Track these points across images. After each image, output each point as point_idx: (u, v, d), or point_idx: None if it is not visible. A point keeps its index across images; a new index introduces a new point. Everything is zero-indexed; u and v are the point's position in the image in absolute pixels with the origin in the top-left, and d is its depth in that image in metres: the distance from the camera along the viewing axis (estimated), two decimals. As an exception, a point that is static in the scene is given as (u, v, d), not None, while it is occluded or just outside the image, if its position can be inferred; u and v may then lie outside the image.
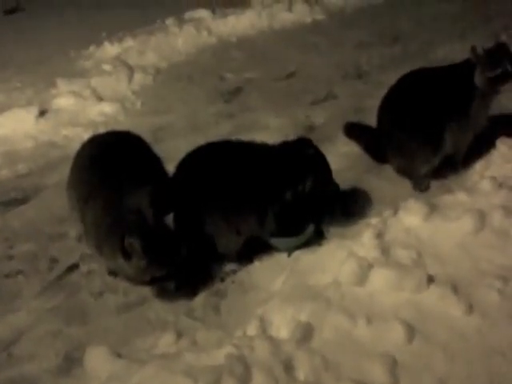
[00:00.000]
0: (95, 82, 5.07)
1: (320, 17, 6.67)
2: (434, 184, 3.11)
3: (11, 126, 4.43)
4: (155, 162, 2.81)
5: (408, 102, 3.05)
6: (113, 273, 2.75)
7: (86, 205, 2.60)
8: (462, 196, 2.62)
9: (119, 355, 2.20)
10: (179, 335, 2.31)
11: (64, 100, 4.75)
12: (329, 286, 2.26)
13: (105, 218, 2.51)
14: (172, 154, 3.02)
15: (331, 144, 3.59)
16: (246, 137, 2.96)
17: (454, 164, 3.16)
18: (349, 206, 3.01)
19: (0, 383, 2.27)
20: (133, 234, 2.37)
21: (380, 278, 2.23)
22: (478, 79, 3.01)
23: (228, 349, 2.01)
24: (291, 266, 2.55)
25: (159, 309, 2.55)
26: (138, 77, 5.25)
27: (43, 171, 3.88)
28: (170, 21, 6.62)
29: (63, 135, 4.34)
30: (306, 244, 2.76)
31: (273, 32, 6.42)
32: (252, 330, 2.14)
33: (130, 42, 6.15)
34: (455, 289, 2.19)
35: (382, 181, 3.21)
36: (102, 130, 3.84)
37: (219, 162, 2.71)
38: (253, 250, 2.76)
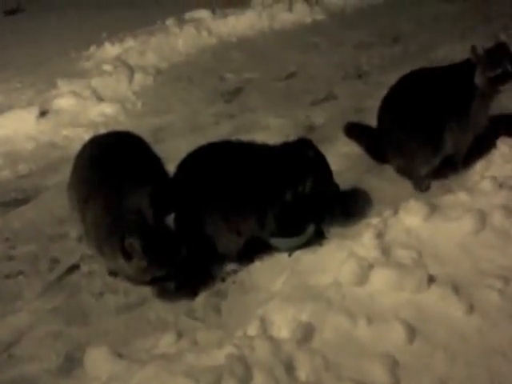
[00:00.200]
0: (96, 82, 5.07)
1: (320, 17, 6.67)
2: (435, 184, 3.11)
3: (12, 127, 4.43)
4: (155, 162, 2.81)
5: (408, 102, 3.05)
6: (113, 273, 2.75)
7: (86, 205, 2.61)
8: (462, 196, 2.62)
9: (120, 355, 2.20)
10: (180, 335, 2.31)
11: (64, 100, 4.75)
12: (329, 286, 2.25)
13: (105, 219, 2.52)
14: (172, 154, 3.02)
15: (331, 144, 3.59)
16: (246, 137, 2.96)
17: (455, 164, 3.16)
18: (349, 206, 3.01)
19: (1, 383, 2.28)
20: (133, 234, 2.37)
21: (380, 278, 2.23)
22: (479, 79, 3.01)
23: (228, 349, 2.01)
24: (292, 266, 2.55)
25: (160, 309, 2.55)
26: (139, 77, 5.25)
27: (44, 172, 3.89)
28: (170, 21, 6.62)
29: (64, 136, 4.35)
30: (307, 244, 2.76)
31: (273, 32, 6.42)
32: (252, 330, 2.14)
33: (130, 43, 6.15)
34: (456, 289, 2.18)
35: (383, 181, 3.21)
36: (102, 130, 3.85)
37: (219, 162, 2.71)
38: (253, 250, 2.77)
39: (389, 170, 3.25)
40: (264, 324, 2.15)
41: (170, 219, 2.52)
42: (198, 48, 6.07)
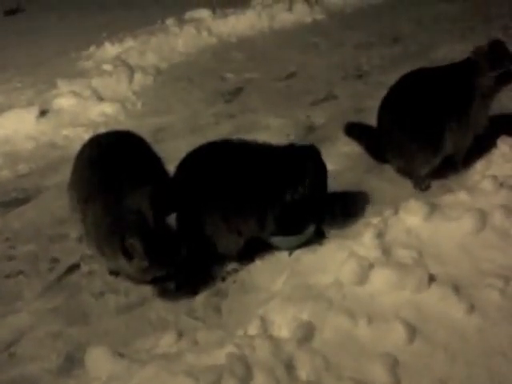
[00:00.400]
0: (96, 82, 5.07)
1: (320, 17, 6.67)
2: (435, 184, 3.11)
3: (12, 127, 4.44)
4: (155, 162, 2.81)
5: (408, 103, 3.04)
6: (114, 272, 2.75)
7: (86, 205, 2.60)
8: (462, 196, 2.62)
9: (120, 355, 2.19)
10: (180, 335, 2.31)
11: (64, 100, 4.76)
12: (330, 286, 2.25)
13: (105, 219, 2.51)
14: (172, 154, 3.02)
15: (331, 144, 3.59)
16: (246, 137, 2.96)
17: (455, 164, 3.16)
18: (349, 205, 3.01)
19: (1, 383, 2.28)
20: (133, 234, 2.37)
21: (381, 278, 2.23)
22: (480, 79, 3.01)
23: (229, 348, 2.01)
24: (292, 265, 2.55)
25: (160, 309, 2.55)
26: (139, 77, 5.25)
27: (44, 172, 3.89)
28: (170, 21, 6.63)
29: (64, 135, 4.35)
30: (307, 243, 2.76)
31: (273, 32, 6.43)
32: (253, 329, 2.13)
33: (130, 43, 6.15)
34: (456, 289, 2.18)
35: (383, 181, 3.21)
36: (102, 130, 3.84)
37: (219, 162, 2.71)
38: (254, 249, 2.76)
39: (389, 170, 3.25)
40: (264, 324, 2.15)
41: (172, 219, 2.52)
42: (198, 48, 6.08)
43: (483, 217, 2.44)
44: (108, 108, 4.68)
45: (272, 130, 4.00)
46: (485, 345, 2.02)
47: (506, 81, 3.06)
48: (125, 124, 4.26)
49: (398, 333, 2.05)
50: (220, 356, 1.98)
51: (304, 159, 2.73)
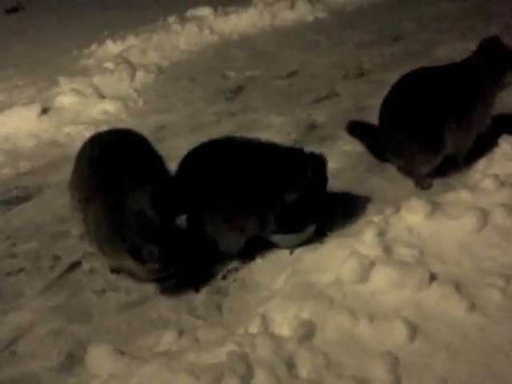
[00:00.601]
0: (97, 80, 5.07)
1: (322, 15, 6.68)
2: (436, 182, 3.11)
3: (13, 125, 4.44)
4: (156, 160, 2.80)
5: (409, 102, 3.04)
6: (115, 271, 2.75)
7: (87, 204, 2.61)
8: (464, 194, 2.61)
9: (121, 353, 2.19)
10: (181, 333, 2.31)
11: (66, 98, 4.76)
12: (331, 285, 2.25)
13: (106, 218, 2.52)
14: (174, 152, 3.02)
15: (333, 143, 3.60)
16: (248, 135, 2.95)
17: (456, 162, 3.16)
18: (350, 204, 3.01)
19: (2, 381, 2.28)
20: (148, 239, 2.38)
21: (382, 277, 2.23)
22: (487, 81, 3.02)
23: (230, 347, 2.01)
24: (293, 264, 2.54)
25: (161, 307, 2.55)
26: (140, 75, 5.26)
27: (45, 169, 3.89)
28: (172, 19, 6.63)
29: (65, 133, 4.36)
30: (308, 241, 2.76)
31: (274, 30, 6.43)
32: (254, 328, 2.14)
33: (132, 41, 6.16)
34: (457, 287, 2.18)
35: (384, 179, 3.21)
36: (104, 128, 3.84)
37: (221, 160, 2.70)
38: (254, 248, 2.77)
39: (390, 169, 3.25)
40: (265, 322, 2.15)
41: (182, 220, 2.53)
42: (200, 46, 6.08)
43: (484, 215, 2.44)
44: (109, 106, 4.68)
45: (273, 128, 4.00)
46: (486, 343, 2.02)
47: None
48: (126, 122, 4.27)
49: (399, 331, 2.05)
50: (221, 354, 1.98)
51: (305, 159, 2.73)
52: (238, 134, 2.96)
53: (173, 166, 2.82)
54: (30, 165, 3.98)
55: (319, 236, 2.81)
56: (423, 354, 2.01)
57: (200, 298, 2.58)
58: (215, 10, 6.83)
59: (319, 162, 2.74)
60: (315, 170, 2.72)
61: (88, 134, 3.69)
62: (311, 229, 2.77)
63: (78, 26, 7.43)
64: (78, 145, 3.01)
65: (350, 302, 2.18)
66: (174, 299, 2.58)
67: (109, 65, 5.41)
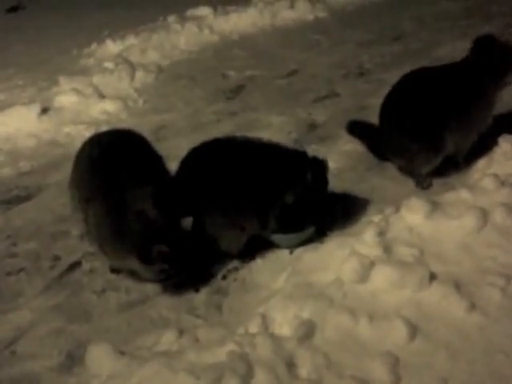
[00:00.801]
0: (97, 79, 5.07)
1: (322, 14, 6.67)
2: (436, 182, 3.11)
3: (13, 124, 4.44)
4: (156, 160, 2.80)
5: (409, 102, 3.04)
6: (115, 270, 2.75)
7: (88, 205, 2.61)
8: (464, 194, 2.61)
9: (121, 353, 2.19)
10: (181, 333, 2.31)
11: (66, 98, 4.76)
12: (331, 284, 2.25)
13: (107, 218, 2.52)
14: (174, 152, 3.02)
15: (333, 142, 3.60)
16: (248, 135, 2.95)
17: (456, 162, 3.16)
18: (350, 203, 3.01)
19: (2, 381, 2.28)
20: (158, 241, 2.39)
21: (382, 276, 2.23)
22: (488, 81, 3.02)
23: (230, 346, 2.01)
24: (293, 263, 2.54)
25: (161, 307, 2.55)
26: (140, 75, 5.25)
27: (45, 169, 3.89)
28: (171, 19, 6.62)
29: (65, 133, 4.36)
30: (308, 241, 2.76)
31: (274, 30, 6.43)
32: (254, 327, 2.14)
33: (131, 40, 6.15)
34: (457, 287, 2.18)
35: (384, 179, 3.21)
36: (104, 128, 3.85)
37: (222, 159, 2.70)
38: (254, 247, 2.77)
39: (390, 168, 3.25)
40: (265, 322, 2.15)
41: (188, 222, 2.53)
42: (200, 46, 6.08)
43: (484, 215, 2.44)
44: (109, 106, 4.68)
45: (273, 127, 4.00)
46: (486, 343, 2.02)
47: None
48: (126, 122, 4.27)
49: (399, 331, 2.05)
50: (221, 354, 1.98)
51: (306, 161, 2.72)
52: (238, 134, 2.96)
53: (173, 165, 2.82)
54: (29, 165, 3.98)
55: (319, 236, 2.81)
56: (423, 353, 2.01)
57: (200, 297, 2.58)
58: (215, 9, 6.82)
59: (320, 165, 2.74)
60: (316, 172, 2.72)
61: (88, 133, 3.69)
62: (311, 229, 2.77)
63: (77, 25, 7.42)
64: (78, 144, 3.01)
65: (350, 302, 2.18)
66: (174, 299, 2.58)
67: (109, 64, 5.40)
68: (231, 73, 5.25)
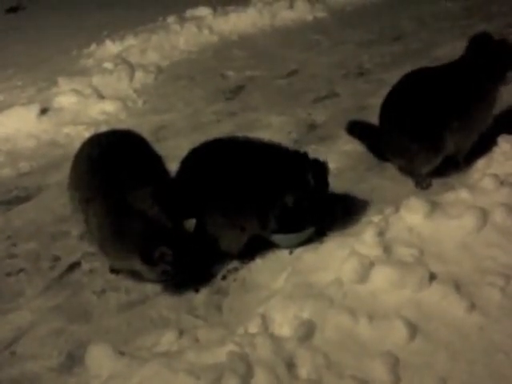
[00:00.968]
0: (97, 80, 5.07)
1: (321, 15, 6.67)
2: (436, 182, 3.11)
3: (13, 125, 4.44)
4: (156, 161, 2.80)
5: (409, 102, 3.03)
6: (115, 270, 2.75)
7: (88, 205, 2.61)
8: (463, 194, 2.61)
9: (121, 353, 2.19)
10: (181, 333, 2.31)
11: (65, 98, 4.75)
12: (331, 284, 2.25)
13: (107, 219, 2.52)
14: (173, 152, 3.02)
15: (333, 142, 3.60)
16: (248, 135, 2.95)
17: (456, 162, 3.16)
18: (350, 204, 3.01)
19: (2, 381, 2.28)
20: (160, 242, 2.39)
21: (382, 276, 2.23)
22: (487, 81, 3.02)
23: (230, 347, 2.01)
24: (293, 264, 2.54)
25: (161, 307, 2.55)
26: (140, 75, 5.25)
27: (45, 170, 3.89)
28: (171, 19, 6.62)
29: (65, 134, 4.35)
30: (308, 241, 2.76)
31: (274, 30, 6.43)
32: (254, 327, 2.14)
33: (131, 41, 6.15)
34: (457, 287, 2.18)
35: (384, 179, 3.21)
36: (103, 128, 3.85)
37: (223, 159, 2.70)
38: (254, 247, 2.77)
39: (390, 168, 3.25)
40: (265, 322, 2.15)
41: (191, 224, 2.53)
42: (199, 46, 6.08)
43: (484, 215, 2.44)
44: (109, 106, 4.68)
45: (273, 128, 4.00)
46: (486, 343, 2.02)
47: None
48: (126, 122, 4.26)
49: (399, 331, 2.05)
50: (221, 354, 1.98)
51: (307, 162, 2.72)
52: (238, 134, 2.96)
53: (173, 166, 2.82)
54: (29, 165, 3.98)
55: (319, 236, 2.81)
56: (423, 353, 2.01)
57: (200, 297, 2.58)
58: (214, 9, 6.82)
59: (321, 167, 2.74)
60: (316, 174, 2.71)
61: (87, 134, 3.70)
62: (311, 229, 2.77)
63: (77, 25, 7.42)
64: (77, 145, 3.01)
65: (350, 302, 2.18)
66: (174, 299, 2.58)
67: (108, 65, 5.40)
68: (231, 73, 5.25)
